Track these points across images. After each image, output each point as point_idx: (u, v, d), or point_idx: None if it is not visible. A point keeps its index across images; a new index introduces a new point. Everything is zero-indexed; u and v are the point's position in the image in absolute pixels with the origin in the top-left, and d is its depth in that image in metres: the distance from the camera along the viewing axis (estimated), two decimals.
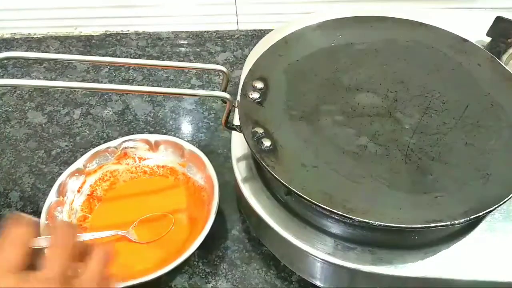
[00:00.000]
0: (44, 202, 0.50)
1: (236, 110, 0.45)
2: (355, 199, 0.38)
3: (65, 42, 0.81)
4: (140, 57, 0.78)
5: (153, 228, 0.51)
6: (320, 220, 0.42)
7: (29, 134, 0.66)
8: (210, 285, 0.49)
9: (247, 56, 0.58)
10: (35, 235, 0.31)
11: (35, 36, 0.83)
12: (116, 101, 0.70)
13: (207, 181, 0.53)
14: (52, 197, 0.51)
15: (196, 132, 0.65)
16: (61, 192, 0.52)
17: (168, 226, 0.51)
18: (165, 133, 0.64)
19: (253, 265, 0.50)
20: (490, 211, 0.37)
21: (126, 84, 0.72)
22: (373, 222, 0.36)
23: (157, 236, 0.50)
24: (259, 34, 0.80)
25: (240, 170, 0.47)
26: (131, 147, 0.57)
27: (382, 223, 0.36)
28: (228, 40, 0.80)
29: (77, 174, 0.54)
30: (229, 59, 0.76)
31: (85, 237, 0.49)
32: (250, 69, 0.48)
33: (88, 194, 0.54)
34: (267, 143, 0.42)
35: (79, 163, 0.54)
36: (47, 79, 0.74)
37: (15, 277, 0.30)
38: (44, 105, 0.70)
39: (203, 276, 0.49)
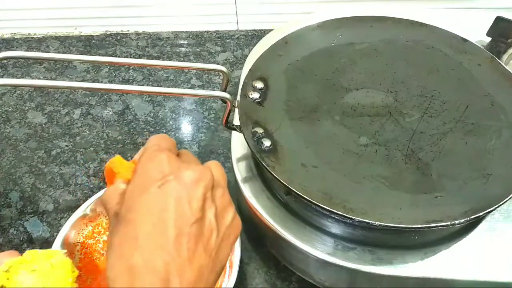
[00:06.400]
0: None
1: (236, 110, 0.45)
2: (355, 199, 0.38)
3: (65, 42, 0.81)
4: (140, 57, 0.78)
5: None
6: (320, 220, 0.42)
7: (29, 134, 0.66)
8: None
9: (247, 56, 0.58)
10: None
11: (35, 36, 0.83)
12: (116, 101, 0.70)
13: None
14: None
15: (196, 132, 0.65)
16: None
17: None
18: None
19: (253, 265, 0.50)
20: (490, 211, 0.37)
21: (126, 84, 0.72)
22: (373, 222, 0.36)
23: None
24: (259, 34, 0.81)
25: (240, 170, 0.47)
26: None
27: (382, 223, 0.36)
28: (228, 40, 0.80)
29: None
30: (229, 59, 0.76)
31: None
32: (250, 69, 0.48)
33: None
34: (267, 143, 0.42)
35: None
36: (47, 79, 0.74)
37: (169, 154, 0.31)
38: (44, 105, 0.70)
39: None
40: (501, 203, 0.37)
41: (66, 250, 0.40)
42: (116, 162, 0.33)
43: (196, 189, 0.30)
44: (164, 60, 0.76)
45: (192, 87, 0.72)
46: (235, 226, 0.32)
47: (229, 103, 0.42)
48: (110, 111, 0.68)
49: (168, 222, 0.28)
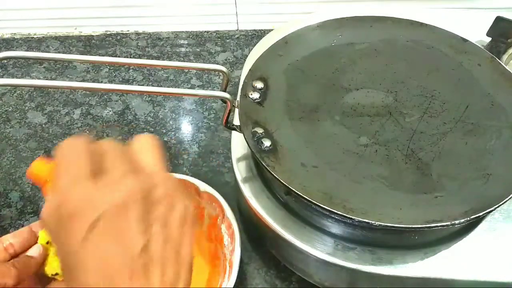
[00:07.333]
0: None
1: (236, 110, 0.45)
2: (355, 199, 0.38)
3: (65, 42, 0.81)
4: (140, 57, 0.78)
5: None
6: (320, 220, 0.42)
7: (29, 134, 0.66)
8: None
9: (247, 56, 0.58)
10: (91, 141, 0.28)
11: (35, 36, 0.83)
12: (116, 101, 0.70)
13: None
14: None
15: (196, 132, 0.65)
16: None
17: None
18: (165, 133, 0.64)
19: (253, 265, 0.50)
20: (490, 211, 0.37)
21: (126, 84, 0.72)
22: (373, 222, 0.36)
23: None
24: (259, 34, 0.80)
25: (240, 170, 0.47)
26: None
27: (382, 223, 0.36)
28: (228, 40, 0.80)
29: None
30: (229, 59, 0.76)
31: None
32: (250, 69, 0.48)
33: None
34: (267, 143, 0.42)
35: None
36: (47, 79, 0.74)
37: (92, 182, 0.26)
38: (44, 105, 0.70)
39: None
40: (501, 203, 0.37)
41: None
42: (38, 165, 0.31)
43: (125, 219, 0.25)
44: (164, 60, 0.76)
45: (192, 87, 0.72)
46: (188, 216, 0.27)
47: (229, 103, 0.42)
48: (110, 111, 0.68)
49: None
